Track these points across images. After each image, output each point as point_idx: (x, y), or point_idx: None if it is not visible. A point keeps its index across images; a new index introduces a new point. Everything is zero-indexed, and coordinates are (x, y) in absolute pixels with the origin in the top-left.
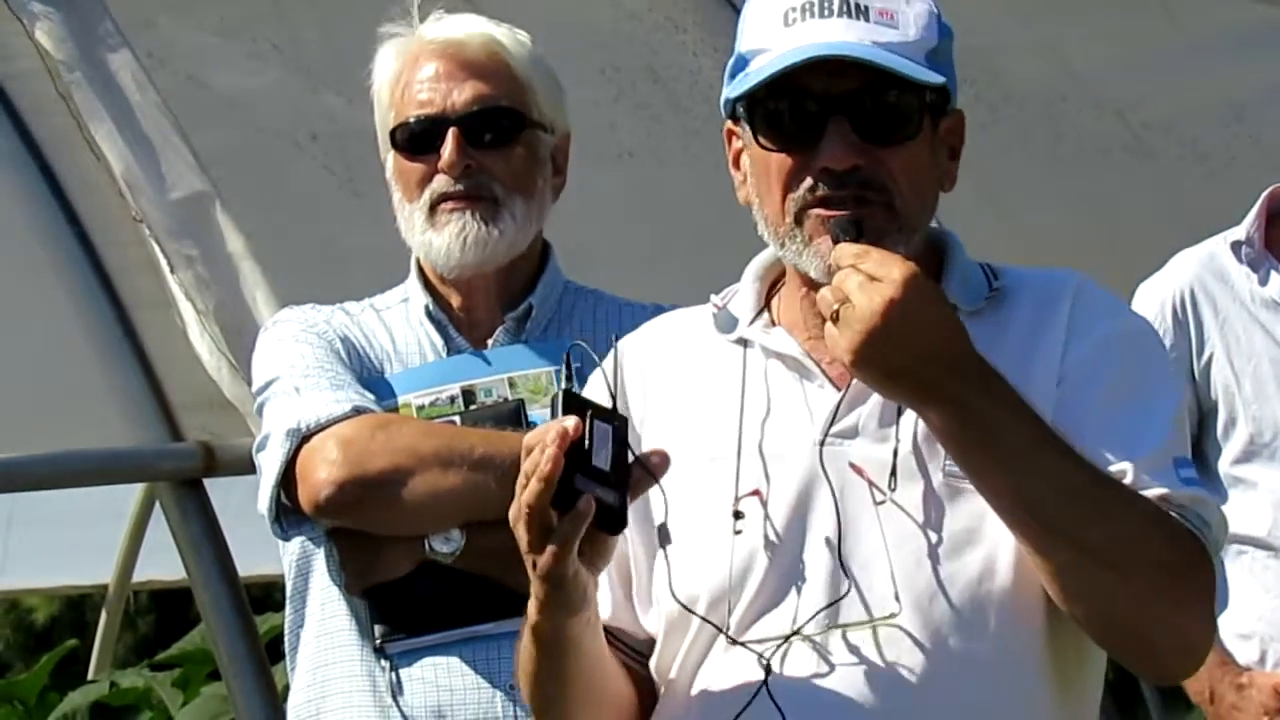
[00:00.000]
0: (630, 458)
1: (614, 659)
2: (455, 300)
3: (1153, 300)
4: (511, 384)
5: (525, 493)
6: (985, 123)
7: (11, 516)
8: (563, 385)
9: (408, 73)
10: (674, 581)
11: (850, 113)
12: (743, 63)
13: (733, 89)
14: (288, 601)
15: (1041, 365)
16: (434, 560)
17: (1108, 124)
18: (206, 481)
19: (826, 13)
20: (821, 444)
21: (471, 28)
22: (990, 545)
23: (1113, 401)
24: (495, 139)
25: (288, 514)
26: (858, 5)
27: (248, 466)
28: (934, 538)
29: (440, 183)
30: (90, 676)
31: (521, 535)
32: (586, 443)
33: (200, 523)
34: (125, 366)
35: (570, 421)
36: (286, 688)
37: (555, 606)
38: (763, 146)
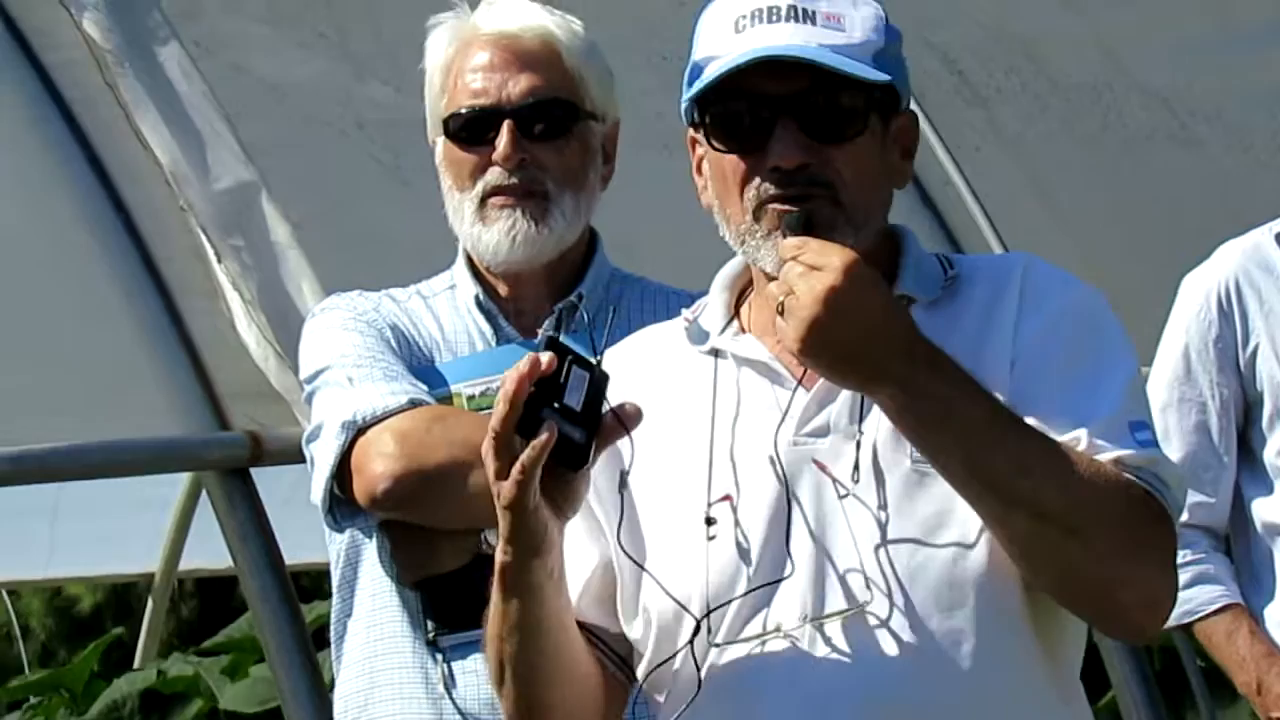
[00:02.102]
0: (605, 407)
1: (583, 642)
2: (503, 289)
3: (1198, 291)
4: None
5: (492, 416)
6: (1031, 112)
7: (57, 506)
8: (549, 332)
9: (461, 59)
10: (620, 590)
11: (797, 113)
12: (697, 70)
13: (686, 94)
14: (335, 591)
15: (995, 347)
16: (491, 554)
17: (1154, 112)
18: (253, 470)
19: (775, 18)
20: (793, 444)
21: (526, 19)
22: (962, 526)
23: (1066, 374)
24: (548, 131)
25: (341, 505)
26: (805, 10)
27: (294, 456)
28: (904, 525)
29: (493, 175)
30: (137, 664)
31: (490, 464)
32: (562, 380)
33: (247, 512)
34: (172, 356)
35: (545, 355)
36: (332, 680)
37: (518, 543)
38: (715, 148)
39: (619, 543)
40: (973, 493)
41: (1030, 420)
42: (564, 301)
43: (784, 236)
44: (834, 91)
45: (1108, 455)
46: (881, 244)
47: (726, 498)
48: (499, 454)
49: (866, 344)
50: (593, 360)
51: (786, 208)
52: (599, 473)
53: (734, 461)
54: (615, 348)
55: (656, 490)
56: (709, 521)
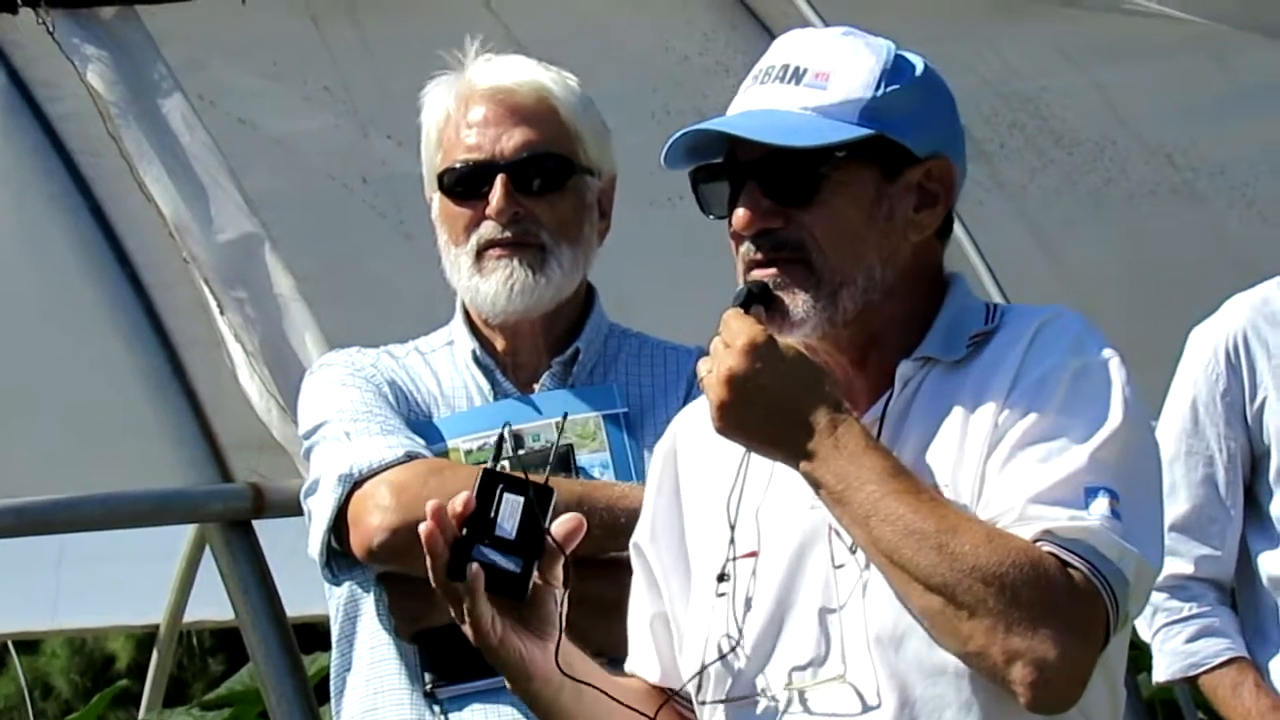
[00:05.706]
0: (549, 520)
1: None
2: (500, 343)
3: (1206, 344)
4: (559, 428)
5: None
6: (1035, 166)
7: (62, 553)
8: (488, 464)
9: (456, 115)
10: (677, 645)
11: (760, 177)
12: None
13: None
14: (334, 645)
15: (985, 409)
16: None
17: (1157, 168)
18: (255, 522)
19: (767, 79)
20: (812, 507)
21: (521, 74)
22: None
23: (1034, 432)
24: (543, 185)
25: (338, 558)
26: (797, 69)
27: (297, 508)
28: (887, 593)
29: (488, 229)
30: (141, 716)
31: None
32: (493, 513)
33: (249, 563)
34: (175, 407)
35: (460, 498)
36: None
37: (507, 674)
38: (703, 211)
39: (670, 602)
40: (874, 562)
41: (989, 486)
42: (504, 427)
43: (734, 304)
44: (792, 155)
45: (1035, 527)
46: (922, 296)
47: (752, 554)
48: (446, 599)
49: (767, 423)
50: (528, 479)
51: (762, 272)
52: (664, 527)
53: (758, 523)
54: (692, 404)
55: (696, 546)
56: (721, 579)
